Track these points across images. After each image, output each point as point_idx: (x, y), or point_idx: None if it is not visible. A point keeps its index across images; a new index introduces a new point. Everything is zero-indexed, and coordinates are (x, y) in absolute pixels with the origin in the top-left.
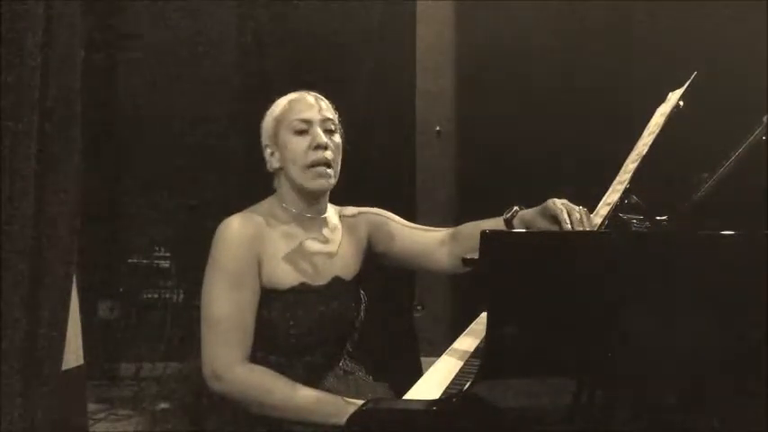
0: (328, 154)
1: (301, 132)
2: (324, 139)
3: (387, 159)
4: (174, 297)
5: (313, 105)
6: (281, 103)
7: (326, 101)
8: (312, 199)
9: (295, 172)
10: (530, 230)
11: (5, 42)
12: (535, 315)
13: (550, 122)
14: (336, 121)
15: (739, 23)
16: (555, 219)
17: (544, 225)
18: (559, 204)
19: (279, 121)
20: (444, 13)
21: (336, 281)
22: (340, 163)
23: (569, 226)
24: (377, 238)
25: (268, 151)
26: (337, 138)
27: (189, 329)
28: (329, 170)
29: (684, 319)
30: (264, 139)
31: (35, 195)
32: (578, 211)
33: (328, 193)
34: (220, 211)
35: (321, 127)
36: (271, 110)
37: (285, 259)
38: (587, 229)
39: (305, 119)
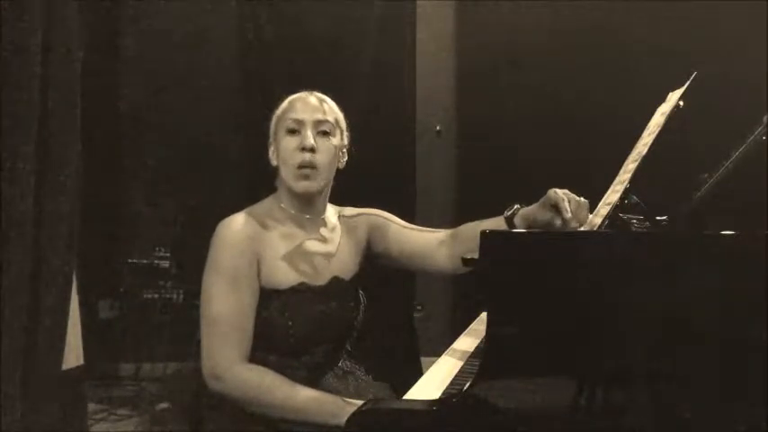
0: (314, 157)
1: (293, 132)
2: (311, 141)
3: (387, 159)
4: (174, 297)
5: (310, 106)
6: (285, 102)
7: (331, 103)
8: (303, 200)
9: (284, 171)
10: (530, 230)
11: (5, 42)
12: (535, 315)
13: (550, 122)
14: (338, 123)
15: (739, 23)
16: (556, 208)
17: (546, 216)
18: (560, 193)
19: (278, 118)
20: (444, 13)
21: (335, 281)
22: (334, 165)
23: (569, 214)
24: (376, 238)
25: (271, 148)
26: (334, 140)
27: (189, 329)
28: (314, 173)
29: (684, 318)
30: (270, 136)
31: (35, 195)
32: (578, 201)
33: (326, 193)
34: (220, 211)
35: (314, 128)
36: (278, 107)
37: (284, 259)
38: (584, 218)
39: (297, 119)
